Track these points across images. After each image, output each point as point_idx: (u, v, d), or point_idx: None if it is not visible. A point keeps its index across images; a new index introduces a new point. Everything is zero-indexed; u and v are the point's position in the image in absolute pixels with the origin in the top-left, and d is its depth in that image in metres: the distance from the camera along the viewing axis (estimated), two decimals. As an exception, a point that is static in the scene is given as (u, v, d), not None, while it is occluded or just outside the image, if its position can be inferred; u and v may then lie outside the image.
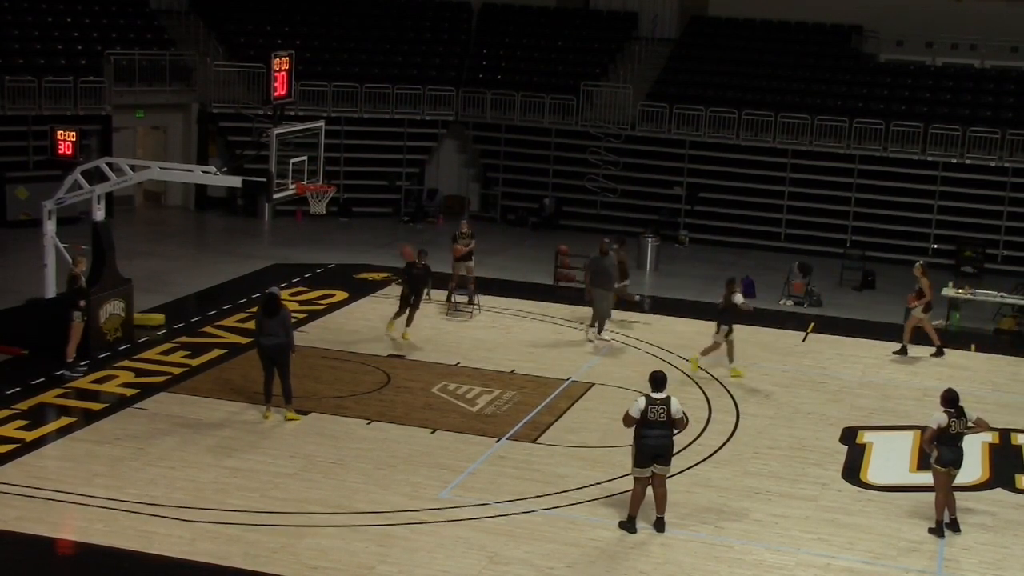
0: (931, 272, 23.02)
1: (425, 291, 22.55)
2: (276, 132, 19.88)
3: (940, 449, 14.74)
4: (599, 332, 22.39)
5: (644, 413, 14.16)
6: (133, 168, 21.33)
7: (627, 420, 14.36)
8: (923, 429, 15.22)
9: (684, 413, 14.63)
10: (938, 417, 14.74)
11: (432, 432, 17.44)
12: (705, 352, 20.87)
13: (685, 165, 33.43)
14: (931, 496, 15.24)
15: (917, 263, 23.20)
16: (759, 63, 35.02)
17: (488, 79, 35.57)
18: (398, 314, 21.88)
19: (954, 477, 14.96)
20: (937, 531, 14.90)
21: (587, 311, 22.88)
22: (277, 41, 33.46)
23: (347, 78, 34.40)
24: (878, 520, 15.29)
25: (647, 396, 14.26)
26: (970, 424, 14.89)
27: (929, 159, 31.73)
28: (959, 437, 14.77)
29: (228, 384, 19.03)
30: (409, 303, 21.81)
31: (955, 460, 14.77)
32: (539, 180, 34.45)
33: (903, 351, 22.70)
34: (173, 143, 34.12)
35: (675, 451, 14.91)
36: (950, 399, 14.85)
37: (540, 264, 28.36)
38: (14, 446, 16.10)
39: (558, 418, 18.33)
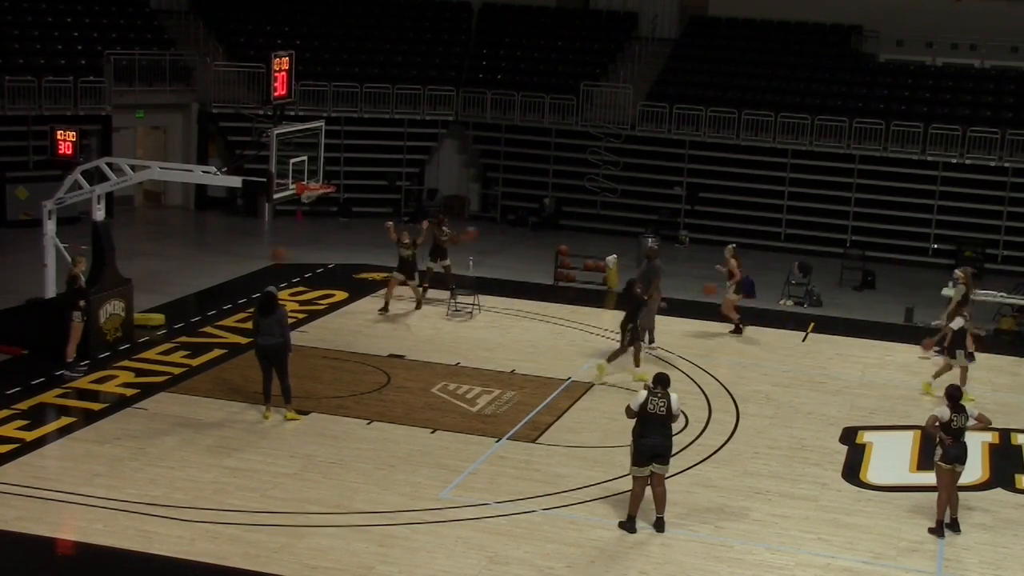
0: (932, 271, 22.93)
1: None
2: (276, 132, 19.88)
3: (944, 446, 14.76)
4: (648, 342, 21.95)
5: (644, 406, 14.19)
6: (133, 168, 21.32)
7: (628, 412, 14.45)
8: (925, 425, 15.24)
9: (683, 412, 14.62)
10: (940, 411, 14.86)
11: (432, 432, 17.43)
12: (962, 378, 20.22)
13: (685, 165, 33.42)
14: (931, 496, 15.25)
15: (729, 246, 23.37)
16: (759, 63, 35.00)
17: (488, 79, 35.56)
18: (621, 353, 20.29)
19: (959, 475, 14.96)
20: (937, 531, 14.90)
21: (585, 312, 22.81)
22: (277, 41, 33.43)
23: (347, 78, 34.39)
24: (878, 520, 15.28)
25: (649, 389, 14.29)
26: (971, 420, 14.93)
27: (929, 159, 31.72)
28: (960, 433, 14.82)
29: (228, 384, 19.02)
30: (636, 336, 20.31)
31: (959, 456, 14.80)
32: (539, 180, 34.43)
33: (738, 330, 23.31)
34: (173, 143, 34.10)
35: (675, 451, 14.92)
36: (952, 395, 14.98)
37: (540, 264, 28.34)
38: (14, 446, 16.10)
39: (558, 418, 18.32)
